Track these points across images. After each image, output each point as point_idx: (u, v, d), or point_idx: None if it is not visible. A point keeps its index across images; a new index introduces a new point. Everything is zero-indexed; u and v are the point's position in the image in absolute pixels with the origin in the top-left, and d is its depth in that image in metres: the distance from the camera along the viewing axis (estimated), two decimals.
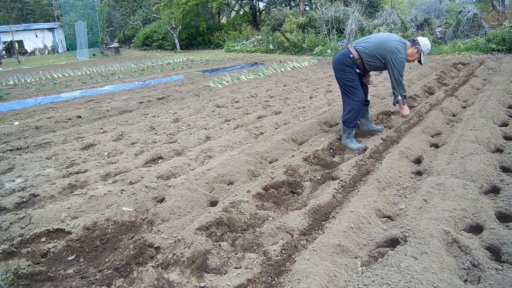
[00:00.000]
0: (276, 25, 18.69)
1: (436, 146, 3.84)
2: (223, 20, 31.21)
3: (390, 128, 4.41)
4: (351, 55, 3.86)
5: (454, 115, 4.85)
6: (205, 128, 5.12)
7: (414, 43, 3.85)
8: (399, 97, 3.91)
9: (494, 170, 3.01)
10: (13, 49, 29.31)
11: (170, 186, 3.24)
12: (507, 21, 11.35)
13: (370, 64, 3.89)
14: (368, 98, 4.46)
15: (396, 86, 3.85)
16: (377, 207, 2.63)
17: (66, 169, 3.89)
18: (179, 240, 2.34)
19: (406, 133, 4.15)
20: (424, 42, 3.88)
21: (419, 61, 3.97)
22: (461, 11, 13.04)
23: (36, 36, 32.83)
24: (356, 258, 2.13)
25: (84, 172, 3.81)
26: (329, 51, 14.24)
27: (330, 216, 2.55)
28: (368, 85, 4.43)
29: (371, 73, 4.23)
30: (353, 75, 3.90)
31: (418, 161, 3.52)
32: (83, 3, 27.04)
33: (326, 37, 15.49)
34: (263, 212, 2.76)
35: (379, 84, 7.47)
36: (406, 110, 4.07)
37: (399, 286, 1.77)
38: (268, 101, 6.72)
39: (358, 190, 2.84)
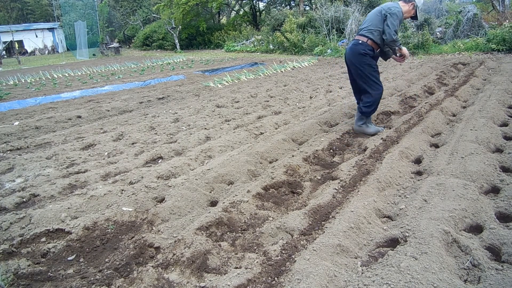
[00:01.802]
0: (276, 25, 18.70)
1: (436, 146, 3.84)
2: (223, 20, 31.22)
3: (390, 128, 4.41)
4: (360, 41, 3.98)
5: (454, 115, 4.85)
6: (205, 128, 5.12)
7: (409, 0, 4.02)
8: (396, 48, 4.03)
9: (494, 170, 3.01)
10: (13, 49, 29.33)
11: (170, 186, 3.24)
12: (507, 21, 11.36)
13: (380, 36, 3.96)
14: None
15: (391, 41, 3.89)
16: (377, 207, 2.63)
17: (66, 169, 3.89)
18: (179, 240, 2.34)
19: (406, 133, 4.15)
20: None
21: (414, 17, 4.09)
22: (461, 11, 13.04)
23: (36, 36, 32.84)
24: (356, 258, 2.13)
25: (84, 172, 3.81)
26: (329, 51, 14.24)
27: (330, 216, 2.55)
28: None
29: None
30: (372, 64, 4.02)
31: (418, 161, 3.52)
32: (83, 3, 27.05)
33: (326, 37, 15.49)
34: (263, 212, 2.76)
35: None
36: (404, 50, 4.09)
37: (399, 286, 1.77)
38: (268, 101, 6.72)
39: (358, 190, 2.84)
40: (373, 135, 4.09)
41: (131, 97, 8.00)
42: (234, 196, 2.89)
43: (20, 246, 2.50)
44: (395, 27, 3.86)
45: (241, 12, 28.07)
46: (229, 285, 1.94)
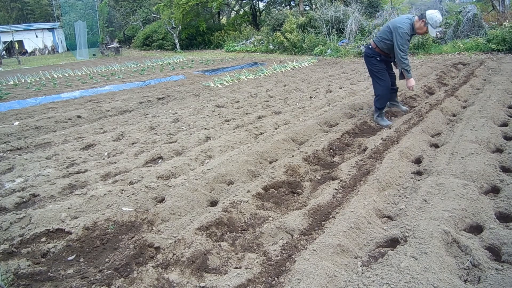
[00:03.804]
0: (276, 25, 18.69)
1: (436, 146, 3.84)
2: (223, 20, 31.22)
3: (390, 128, 4.41)
4: (370, 46, 4.64)
5: (454, 115, 4.85)
6: (205, 128, 5.12)
7: (422, 16, 4.29)
8: (401, 70, 4.53)
9: (494, 170, 3.01)
10: (13, 49, 29.34)
11: (170, 186, 3.24)
12: (507, 21, 11.34)
13: (385, 47, 4.49)
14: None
15: (397, 59, 4.40)
16: (377, 207, 2.63)
17: (66, 169, 3.89)
18: (179, 240, 2.34)
19: (406, 133, 4.15)
20: (431, 15, 4.21)
21: (431, 32, 4.35)
22: (461, 11, 13.02)
23: (36, 36, 32.84)
24: (356, 258, 2.13)
25: (84, 172, 3.81)
26: (329, 51, 14.23)
27: (330, 216, 2.55)
28: (394, 74, 4.97)
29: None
30: (377, 64, 4.60)
31: (418, 161, 3.52)
32: (83, 3, 27.03)
33: (326, 37, 15.49)
34: (263, 212, 2.76)
35: None
36: (410, 82, 4.55)
37: (399, 286, 1.77)
38: (268, 101, 6.72)
39: (358, 190, 2.84)
40: (386, 127, 4.53)
41: (131, 97, 8.00)
42: (234, 196, 2.89)
43: (20, 246, 2.50)
44: (399, 46, 4.28)
45: (241, 12, 28.08)
46: (229, 285, 1.94)
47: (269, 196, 3.00)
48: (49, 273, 2.23)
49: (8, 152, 4.72)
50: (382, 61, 4.61)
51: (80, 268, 2.28)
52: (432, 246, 2.01)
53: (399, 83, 5.12)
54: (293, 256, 2.14)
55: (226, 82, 9.40)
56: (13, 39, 26.77)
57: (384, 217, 2.60)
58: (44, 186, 3.43)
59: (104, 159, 4.21)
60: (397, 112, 5.16)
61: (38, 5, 39.12)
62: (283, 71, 10.88)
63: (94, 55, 25.14)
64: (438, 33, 4.47)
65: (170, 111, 6.43)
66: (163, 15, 24.26)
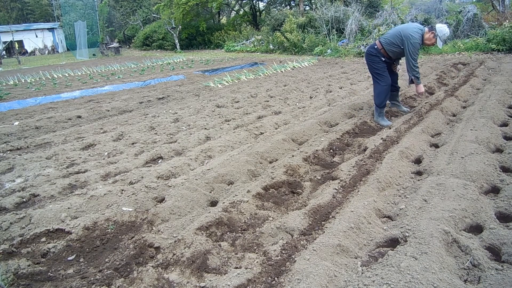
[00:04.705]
0: (276, 25, 18.69)
1: (436, 146, 3.84)
2: (223, 20, 31.23)
3: (390, 128, 4.41)
4: (376, 46, 4.66)
5: (454, 115, 4.86)
6: (205, 128, 5.12)
7: (431, 29, 4.44)
8: (412, 77, 4.64)
9: (494, 170, 3.01)
10: (13, 49, 29.35)
11: (170, 186, 3.24)
12: (507, 21, 11.34)
13: (392, 50, 4.56)
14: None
15: (409, 67, 4.52)
16: (377, 207, 2.63)
17: (66, 169, 3.89)
18: (179, 240, 2.34)
19: (406, 133, 4.15)
20: (440, 28, 4.43)
21: (439, 44, 4.48)
22: (461, 11, 13.02)
23: (36, 36, 32.85)
24: (356, 258, 2.13)
25: (84, 172, 3.81)
26: (329, 51, 14.23)
27: (330, 216, 2.55)
28: (397, 73, 5.05)
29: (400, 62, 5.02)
30: (379, 63, 4.65)
31: (418, 161, 3.52)
32: (83, 3, 27.04)
33: (326, 37, 15.48)
34: (263, 212, 2.76)
35: None
36: (420, 88, 4.70)
37: (399, 286, 1.77)
38: (268, 101, 6.72)
39: (358, 190, 2.84)
40: (386, 127, 4.56)
41: (131, 97, 8.00)
42: (234, 196, 2.89)
43: (20, 246, 2.50)
44: (411, 55, 4.41)
45: (241, 12, 28.08)
46: (229, 285, 1.94)
47: (269, 196, 3.00)
48: (49, 273, 2.23)
49: (8, 152, 4.72)
50: (384, 62, 4.67)
51: (80, 268, 2.28)
52: (432, 246, 2.01)
53: (400, 83, 5.13)
54: (293, 256, 2.14)
55: (226, 82, 9.40)
56: (13, 39, 26.78)
57: (384, 217, 2.60)
58: (44, 186, 3.43)
59: (104, 159, 4.21)
60: (397, 112, 5.16)
61: (38, 5, 39.13)
62: (283, 71, 10.88)
63: (94, 55, 25.15)
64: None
65: (170, 111, 6.43)
66: (163, 15, 24.27)
